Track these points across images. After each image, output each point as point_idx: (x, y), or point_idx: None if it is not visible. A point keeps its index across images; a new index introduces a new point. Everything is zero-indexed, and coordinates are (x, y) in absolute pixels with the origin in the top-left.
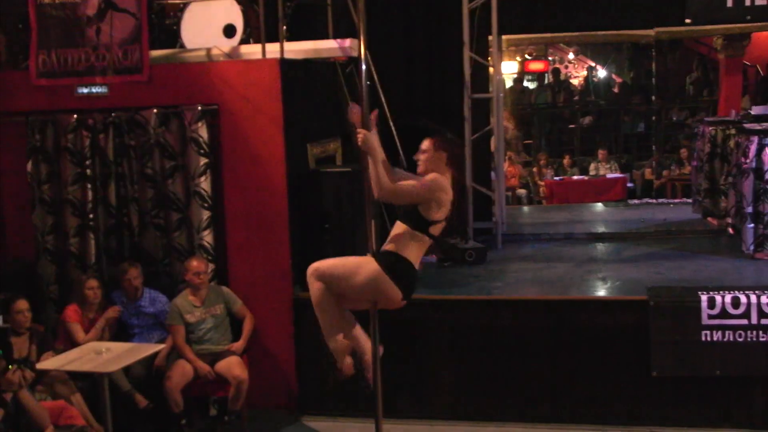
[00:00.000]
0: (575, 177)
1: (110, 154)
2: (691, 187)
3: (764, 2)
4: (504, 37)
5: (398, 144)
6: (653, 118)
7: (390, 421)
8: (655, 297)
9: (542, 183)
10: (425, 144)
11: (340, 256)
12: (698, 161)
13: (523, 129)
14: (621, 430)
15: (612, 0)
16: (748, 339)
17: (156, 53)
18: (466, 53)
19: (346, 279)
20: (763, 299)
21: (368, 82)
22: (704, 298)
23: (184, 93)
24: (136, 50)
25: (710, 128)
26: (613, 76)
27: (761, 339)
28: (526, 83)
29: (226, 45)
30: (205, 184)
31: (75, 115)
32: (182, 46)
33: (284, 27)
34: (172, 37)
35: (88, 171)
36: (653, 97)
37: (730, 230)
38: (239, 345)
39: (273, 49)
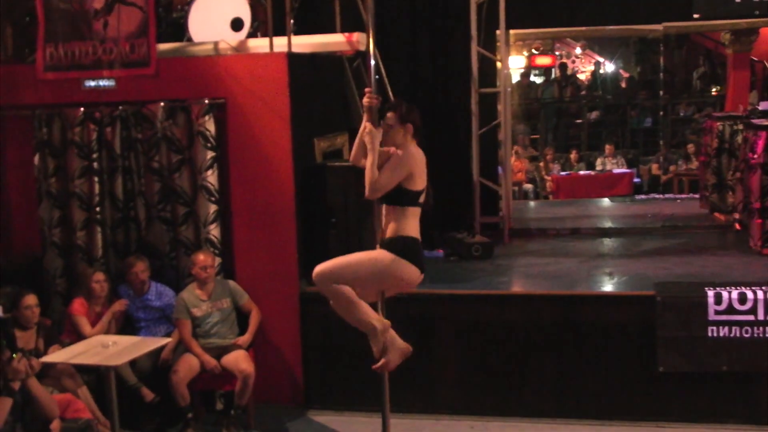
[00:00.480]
0: (582, 172)
1: (117, 147)
2: (698, 182)
3: None
4: (511, 31)
5: None
6: (660, 113)
7: (396, 416)
8: (661, 292)
9: (549, 178)
10: (388, 116)
11: (341, 257)
12: (706, 156)
13: (529, 124)
14: (627, 425)
15: None
16: (755, 335)
17: (163, 47)
18: (474, 48)
19: (364, 278)
20: None
21: (377, 76)
22: (711, 293)
23: (192, 87)
24: (143, 44)
25: (718, 123)
26: (620, 71)
27: None
28: (533, 78)
29: (234, 39)
30: (211, 177)
31: (82, 109)
32: (189, 39)
33: (291, 21)
34: (180, 31)
35: (95, 164)
36: (660, 92)
37: (738, 226)
38: (245, 339)
39: (280, 43)
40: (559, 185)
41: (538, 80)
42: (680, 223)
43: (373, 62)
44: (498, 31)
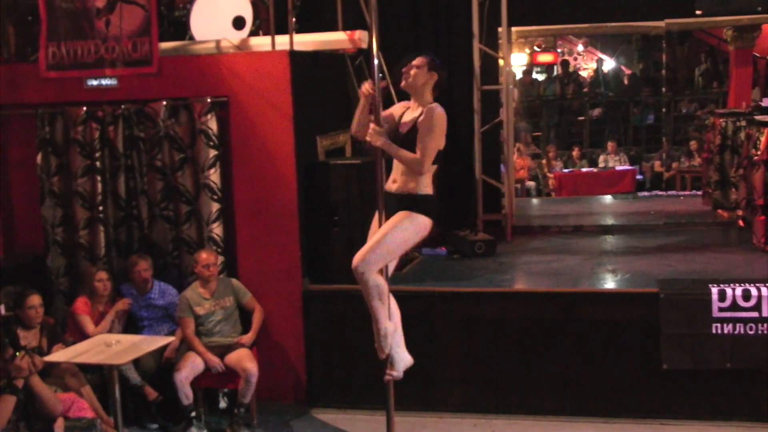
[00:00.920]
0: (584, 169)
1: (119, 146)
2: (701, 179)
3: None
4: (513, 28)
5: None
6: (663, 109)
7: (399, 414)
8: (665, 289)
9: (551, 175)
10: (419, 60)
11: (370, 241)
12: (709, 153)
13: (531, 121)
14: (630, 422)
15: None
16: (759, 332)
17: (165, 45)
18: (476, 45)
19: (395, 249)
20: None
21: (380, 75)
22: (714, 290)
23: (194, 85)
24: (145, 42)
25: (721, 120)
26: (623, 67)
27: None
28: (535, 75)
29: (236, 37)
30: (214, 176)
31: (84, 108)
32: (191, 38)
33: (293, 19)
34: (182, 30)
35: (98, 163)
36: (663, 89)
37: (741, 222)
38: (249, 337)
39: (282, 41)
40: (562, 182)
41: (540, 77)
42: (683, 220)
43: (376, 62)
44: (500, 29)
